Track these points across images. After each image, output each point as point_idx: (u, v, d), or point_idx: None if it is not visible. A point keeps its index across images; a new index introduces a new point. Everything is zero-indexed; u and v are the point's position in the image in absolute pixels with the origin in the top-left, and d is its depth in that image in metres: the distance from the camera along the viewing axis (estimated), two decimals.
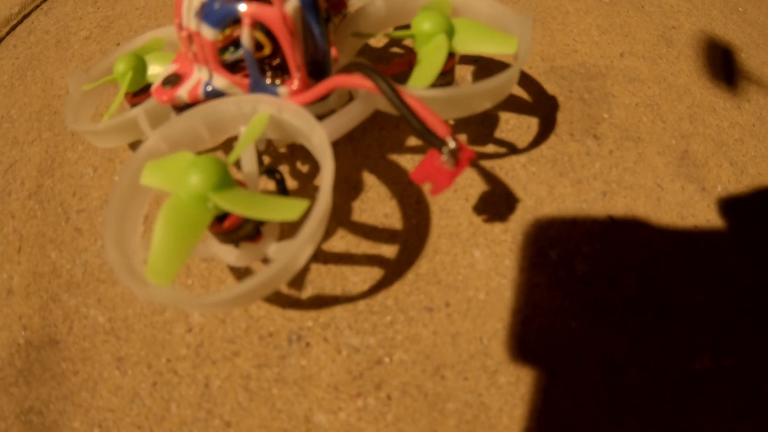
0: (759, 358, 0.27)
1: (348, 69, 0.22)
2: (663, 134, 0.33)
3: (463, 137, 0.30)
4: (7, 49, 0.42)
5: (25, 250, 0.32)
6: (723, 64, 0.40)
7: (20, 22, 0.43)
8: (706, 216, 0.31)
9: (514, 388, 0.24)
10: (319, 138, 0.22)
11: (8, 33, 0.43)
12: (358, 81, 0.21)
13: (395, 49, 0.34)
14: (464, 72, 0.33)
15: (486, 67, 0.34)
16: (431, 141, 0.20)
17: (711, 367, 0.26)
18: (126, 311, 0.28)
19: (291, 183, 0.29)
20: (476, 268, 0.27)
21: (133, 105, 0.30)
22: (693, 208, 0.31)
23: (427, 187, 0.29)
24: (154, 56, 0.29)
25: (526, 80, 0.33)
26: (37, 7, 0.43)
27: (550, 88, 0.33)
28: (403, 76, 0.27)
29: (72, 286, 0.30)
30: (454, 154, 0.20)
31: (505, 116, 0.31)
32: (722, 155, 0.34)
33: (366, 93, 0.23)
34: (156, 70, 0.29)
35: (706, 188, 0.32)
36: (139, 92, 0.29)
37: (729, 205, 0.31)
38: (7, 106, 0.38)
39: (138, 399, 0.26)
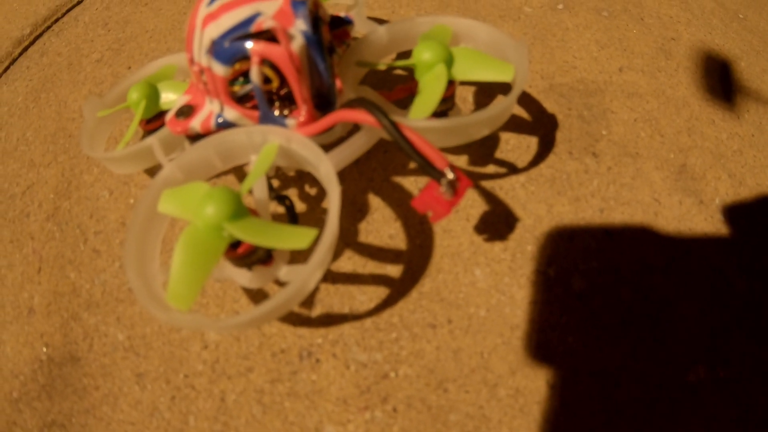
0: (754, 369, 0.28)
1: (352, 104, 0.24)
2: (661, 149, 0.35)
3: (464, 158, 0.32)
4: (20, 71, 0.44)
5: (45, 271, 0.34)
6: (723, 75, 0.41)
7: (32, 43, 0.46)
8: (703, 229, 0.32)
9: (513, 400, 0.26)
10: (326, 169, 0.24)
11: (21, 54, 0.45)
12: (361, 116, 0.23)
13: (398, 72, 0.37)
14: (465, 93, 0.35)
15: (487, 87, 0.36)
16: (430, 173, 0.22)
17: (706, 378, 0.28)
18: (144, 329, 0.30)
19: (300, 206, 0.31)
20: (477, 286, 0.29)
21: (147, 131, 0.32)
22: (690, 222, 0.32)
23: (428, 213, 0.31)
24: (166, 84, 0.32)
25: (526, 99, 0.35)
26: (48, 28, 0.46)
27: (550, 106, 0.35)
28: (407, 101, 0.29)
29: (91, 305, 0.32)
30: (452, 185, 0.22)
31: (505, 136, 0.33)
32: (720, 167, 0.35)
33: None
34: (169, 98, 0.31)
35: (703, 201, 0.34)
36: (153, 119, 0.32)
37: (726, 218, 0.33)
38: (23, 128, 0.40)
39: (157, 413, 0.29)
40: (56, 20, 0.46)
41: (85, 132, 0.32)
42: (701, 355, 0.28)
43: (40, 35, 0.46)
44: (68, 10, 0.46)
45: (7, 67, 0.45)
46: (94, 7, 0.46)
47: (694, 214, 0.33)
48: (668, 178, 0.34)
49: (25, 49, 0.45)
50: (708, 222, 0.33)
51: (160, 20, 0.43)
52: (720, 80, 0.41)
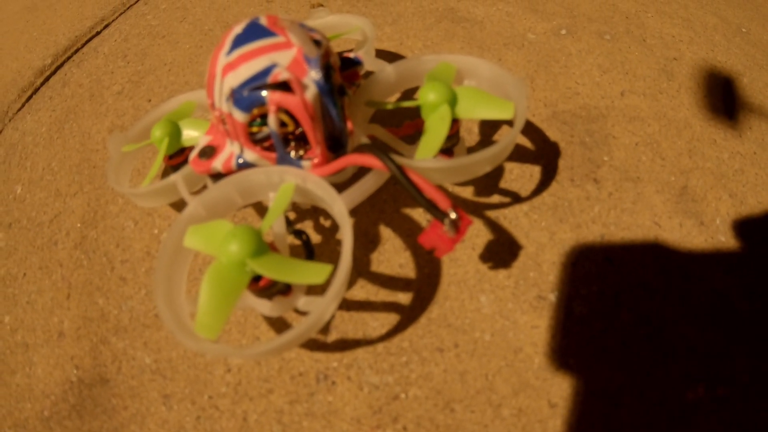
0: (753, 387, 0.31)
1: (362, 149, 0.27)
2: (662, 172, 0.38)
3: (470, 190, 0.35)
4: (43, 101, 0.48)
5: (74, 297, 0.37)
6: (725, 92, 0.44)
7: (53, 73, 0.49)
8: (704, 250, 0.35)
9: (516, 419, 0.29)
10: (339, 209, 0.27)
11: (42, 84, 0.49)
12: (370, 161, 0.26)
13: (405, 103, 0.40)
14: (470, 124, 0.38)
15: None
16: (434, 214, 0.25)
17: (705, 397, 0.30)
18: (170, 353, 0.34)
19: (315, 237, 0.34)
20: (482, 311, 0.32)
21: (170, 166, 0.35)
22: (690, 244, 0.35)
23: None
24: (187, 122, 0.35)
25: (529, 128, 0.38)
26: (68, 58, 0.49)
27: (553, 134, 0.38)
28: (415, 135, 0.32)
29: (119, 330, 0.35)
30: (455, 224, 0.25)
31: (509, 166, 0.36)
32: (722, 187, 0.38)
33: None
34: (190, 135, 0.35)
35: (704, 222, 0.36)
36: (175, 155, 0.35)
37: (727, 238, 0.36)
38: (48, 159, 0.44)
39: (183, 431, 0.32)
40: (76, 50, 0.50)
41: (111, 167, 0.35)
42: (701, 374, 0.31)
43: (61, 65, 0.49)
44: (87, 41, 0.50)
45: (30, 97, 0.49)
46: (113, 39, 0.50)
47: (695, 236, 0.35)
48: (669, 201, 0.36)
49: (47, 78, 0.49)
50: (708, 243, 0.35)
51: (178, 53, 0.46)
52: (722, 98, 0.43)
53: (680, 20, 0.47)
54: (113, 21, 0.52)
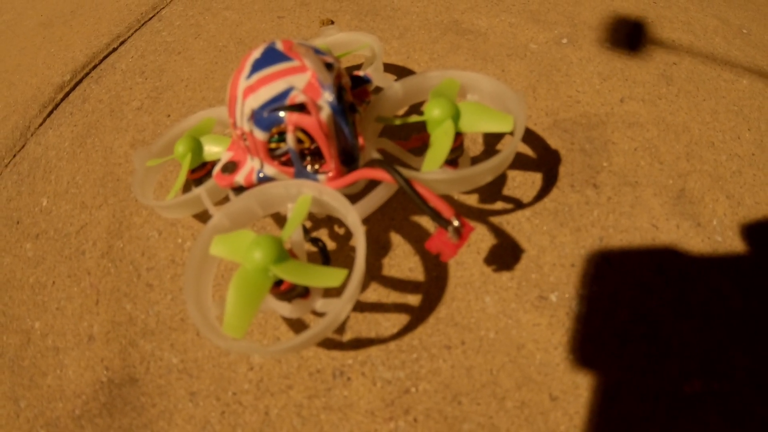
0: (749, 382, 0.34)
1: (373, 164, 0.32)
2: (660, 176, 0.42)
3: (474, 197, 0.40)
4: (64, 116, 0.53)
5: (102, 303, 0.42)
6: (724, 95, 0.47)
7: (73, 89, 0.54)
8: (700, 251, 0.39)
9: (519, 411, 0.33)
10: (352, 219, 0.31)
11: (63, 99, 0.54)
12: (380, 174, 0.31)
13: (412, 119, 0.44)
14: (475, 135, 0.42)
15: None
16: (439, 221, 0.29)
17: (701, 391, 0.34)
18: (196, 354, 0.38)
19: (330, 244, 0.39)
20: (487, 311, 0.36)
21: (192, 179, 0.40)
22: (687, 245, 0.39)
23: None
24: (208, 138, 0.40)
25: (531, 137, 0.42)
26: (87, 74, 0.54)
27: (554, 142, 0.42)
28: (422, 148, 0.36)
29: (147, 333, 0.40)
30: (458, 231, 0.29)
31: (512, 174, 0.40)
32: (719, 189, 0.42)
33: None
34: (211, 150, 0.39)
35: (701, 224, 0.40)
36: (197, 169, 0.40)
37: (723, 238, 0.39)
38: (72, 172, 0.49)
39: (209, 426, 0.36)
40: (94, 67, 0.54)
41: (136, 181, 0.40)
42: (697, 369, 0.34)
43: (80, 81, 0.54)
44: (105, 57, 0.55)
45: (51, 112, 0.54)
46: (130, 55, 0.54)
47: (692, 237, 0.39)
48: (666, 203, 0.40)
49: (67, 94, 0.54)
50: (705, 243, 0.39)
51: (194, 69, 0.51)
52: (721, 101, 0.47)
53: (680, 24, 0.51)
54: (129, 38, 0.57)
